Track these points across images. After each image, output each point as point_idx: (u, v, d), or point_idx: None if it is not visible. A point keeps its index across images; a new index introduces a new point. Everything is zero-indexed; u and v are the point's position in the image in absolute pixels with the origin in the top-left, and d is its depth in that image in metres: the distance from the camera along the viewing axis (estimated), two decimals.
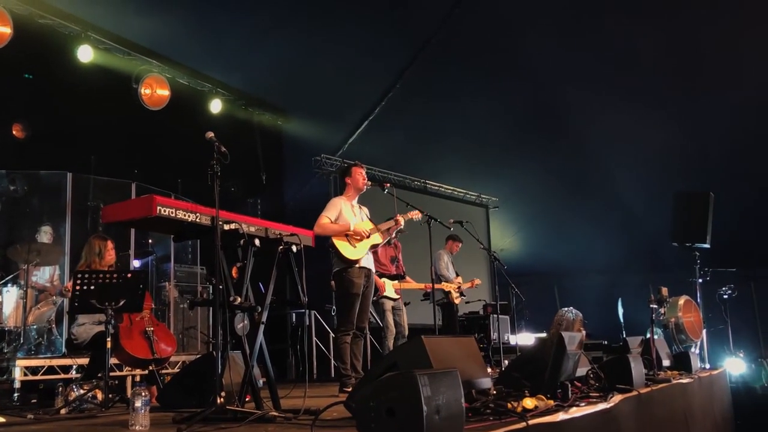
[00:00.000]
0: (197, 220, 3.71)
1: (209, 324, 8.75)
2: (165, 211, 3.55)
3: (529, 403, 3.46)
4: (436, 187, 14.20)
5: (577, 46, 10.98)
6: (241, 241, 3.79)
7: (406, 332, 7.38)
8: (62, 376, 6.34)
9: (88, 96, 8.56)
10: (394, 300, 7.41)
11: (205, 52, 10.11)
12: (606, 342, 9.66)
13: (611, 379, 4.60)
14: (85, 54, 8.73)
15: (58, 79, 8.49)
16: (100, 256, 5.61)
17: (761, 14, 9.94)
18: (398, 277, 7.48)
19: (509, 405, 3.46)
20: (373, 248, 6.14)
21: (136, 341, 5.34)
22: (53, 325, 6.82)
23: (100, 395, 4.69)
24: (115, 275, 4.85)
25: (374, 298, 7.01)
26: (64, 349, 6.58)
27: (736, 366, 9.88)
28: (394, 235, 6.56)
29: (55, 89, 8.38)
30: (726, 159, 11.97)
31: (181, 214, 3.62)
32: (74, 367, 6.43)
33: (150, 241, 8.51)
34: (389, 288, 7.32)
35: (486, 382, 3.74)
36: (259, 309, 3.81)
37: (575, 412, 3.55)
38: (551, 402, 3.62)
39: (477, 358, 3.86)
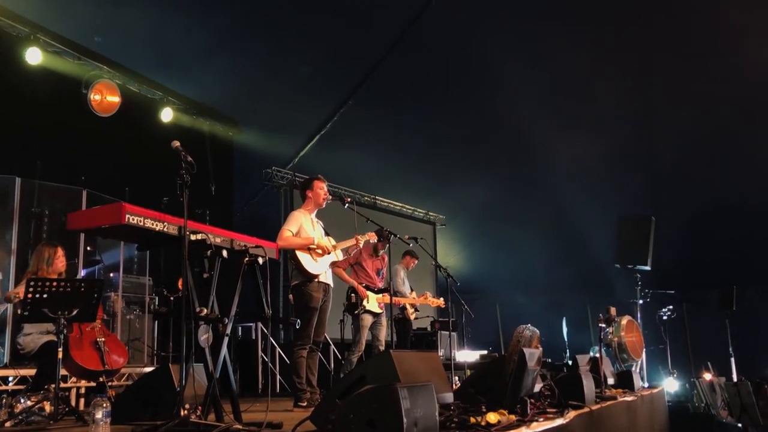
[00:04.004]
0: (165, 229, 3.68)
1: (155, 336, 8.58)
2: (133, 219, 3.50)
3: (492, 417, 3.53)
4: (386, 204, 14.30)
5: (525, 69, 11.28)
6: (208, 252, 3.77)
7: (383, 347, 7.22)
8: (2, 387, 6.11)
9: (36, 99, 8.33)
10: (376, 315, 7.22)
11: (157, 59, 9.97)
12: (550, 360, 9.88)
13: (564, 395, 4.72)
14: (34, 56, 8.48)
15: (5, 81, 8.23)
16: (48, 264, 5.47)
17: (706, 42, 10.43)
18: (384, 290, 7.31)
19: (473, 419, 3.53)
20: (333, 265, 6.17)
21: (87, 352, 5.21)
22: None
23: (48, 407, 4.56)
24: (69, 284, 4.72)
25: (356, 312, 6.99)
26: (5, 360, 6.35)
27: (671, 385, 10.20)
28: (384, 248, 7.00)
29: (1, 91, 8.12)
30: (669, 184, 12.47)
31: (149, 223, 3.58)
32: (14, 378, 6.20)
33: (89, 248, 8.27)
34: (373, 302, 7.16)
35: (449, 397, 3.81)
36: (225, 320, 3.78)
37: (536, 427, 3.64)
38: (513, 417, 3.70)
39: (441, 373, 3.92)
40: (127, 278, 8.49)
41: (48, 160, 7.92)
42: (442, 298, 8.68)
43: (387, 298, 7.25)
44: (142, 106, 10.22)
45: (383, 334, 7.27)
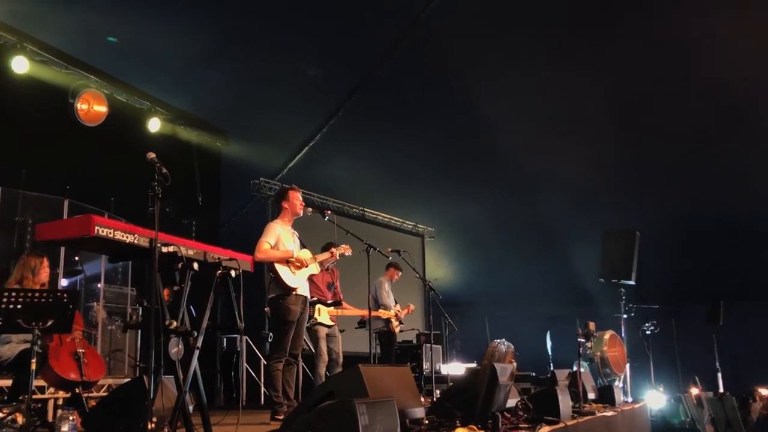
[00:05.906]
0: (135, 241, 3.65)
1: (137, 347, 8.53)
2: (102, 231, 3.48)
3: None
4: (374, 216, 14.28)
5: (513, 84, 11.32)
6: (179, 265, 3.75)
7: (341, 360, 7.30)
8: None
9: (22, 108, 8.31)
10: (329, 327, 7.33)
11: (146, 69, 9.98)
12: (534, 374, 9.86)
13: (539, 410, 4.72)
14: (20, 65, 8.47)
15: None
16: (33, 273, 5.45)
17: (688, 59, 10.50)
18: (335, 303, 7.42)
19: None
20: (310, 277, 6.17)
21: (65, 362, 5.17)
22: None
23: (20, 419, 4.53)
24: (44, 294, 4.69)
25: (308, 325, 6.99)
26: None
27: (656, 400, 10.19)
28: (331, 261, 6.87)
29: None
30: (653, 198, 12.51)
31: (119, 235, 3.55)
32: None
33: (77, 258, 8.25)
34: (324, 314, 7.25)
35: (419, 412, 3.79)
36: (195, 334, 3.76)
37: None
38: None
39: (412, 387, 3.91)
40: (110, 288, 8.44)
41: (33, 169, 7.91)
42: (411, 305, 8.75)
43: (337, 311, 7.45)
44: (129, 116, 10.20)
45: (339, 345, 7.37)
